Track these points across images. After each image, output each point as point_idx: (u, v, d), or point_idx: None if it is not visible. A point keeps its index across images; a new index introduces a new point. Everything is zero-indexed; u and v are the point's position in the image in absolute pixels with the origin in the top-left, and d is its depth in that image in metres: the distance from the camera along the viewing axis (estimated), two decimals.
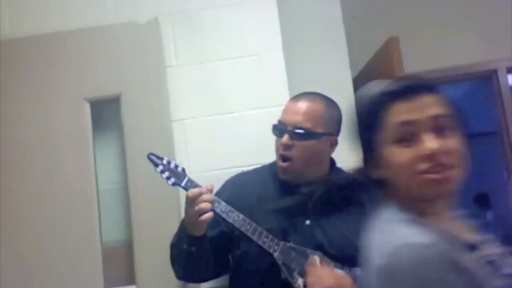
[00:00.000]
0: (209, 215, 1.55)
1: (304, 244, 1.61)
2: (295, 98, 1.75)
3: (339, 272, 1.59)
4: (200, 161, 2.15)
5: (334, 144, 1.75)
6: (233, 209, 1.61)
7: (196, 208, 1.54)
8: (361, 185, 1.78)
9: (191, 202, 1.56)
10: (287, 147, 1.65)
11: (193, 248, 1.61)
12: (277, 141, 1.71)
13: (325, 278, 1.53)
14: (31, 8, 2.30)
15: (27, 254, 2.10)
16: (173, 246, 1.74)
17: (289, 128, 1.65)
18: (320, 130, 1.67)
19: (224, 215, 1.61)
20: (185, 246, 1.62)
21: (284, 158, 1.68)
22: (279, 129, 1.69)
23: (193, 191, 1.56)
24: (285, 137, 1.65)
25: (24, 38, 2.23)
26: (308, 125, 1.65)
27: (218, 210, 1.60)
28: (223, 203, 1.61)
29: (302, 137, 1.64)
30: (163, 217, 2.08)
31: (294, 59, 2.36)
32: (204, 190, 1.58)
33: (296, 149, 1.65)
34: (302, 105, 1.68)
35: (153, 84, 2.20)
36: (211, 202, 1.57)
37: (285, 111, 1.72)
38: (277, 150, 1.71)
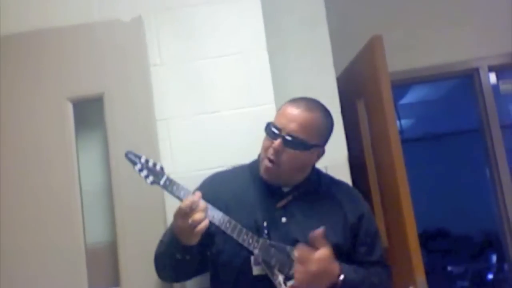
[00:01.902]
0: (204, 224, 1.52)
1: (280, 242, 1.62)
2: (294, 103, 1.71)
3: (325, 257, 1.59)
4: (185, 160, 2.15)
5: (321, 154, 1.76)
6: (212, 207, 1.59)
7: (190, 221, 1.51)
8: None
9: (184, 214, 1.52)
10: (277, 152, 1.64)
11: (188, 257, 1.61)
12: (266, 140, 1.70)
13: (311, 264, 1.53)
14: (12, 6, 2.26)
15: (10, 255, 2.07)
16: (160, 255, 1.72)
17: (283, 134, 1.64)
18: (312, 142, 1.67)
19: (210, 219, 1.57)
20: (178, 256, 1.61)
21: (271, 161, 1.67)
22: (272, 131, 1.67)
23: (185, 204, 1.53)
24: (278, 142, 1.63)
25: (4, 36, 2.20)
26: (302, 135, 1.64)
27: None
28: (210, 206, 1.59)
29: (294, 146, 1.64)
30: (147, 217, 2.07)
31: (279, 58, 2.37)
32: (196, 198, 1.54)
33: (286, 155, 1.65)
34: (301, 113, 1.66)
35: (137, 83, 2.18)
36: (204, 210, 1.54)
37: (282, 115, 1.69)
38: (265, 149, 1.70)
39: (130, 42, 2.20)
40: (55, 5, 2.27)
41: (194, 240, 1.57)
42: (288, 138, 1.63)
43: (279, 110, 1.73)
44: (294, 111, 1.67)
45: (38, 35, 2.20)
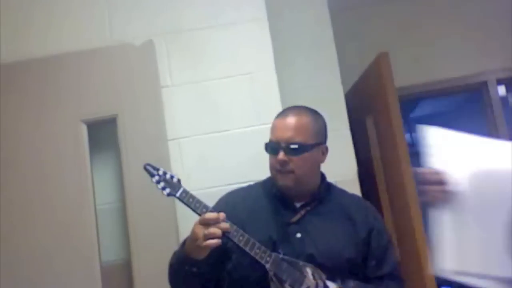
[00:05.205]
0: (215, 241, 1.54)
1: (295, 257, 1.63)
2: (282, 115, 1.77)
3: (332, 285, 1.62)
4: (196, 179, 2.18)
5: (325, 151, 1.79)
6: (228, 221, 1.61)
7: (206, 231, 1.54)
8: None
9: (205, 223, 1.55)
10: (284, 163, 1.68)
11: (194, 269, 1.61)
12: (271, 158, 1.73)
13: None
14: (27, 32, 2.33)
15: (26, 274, 2.11)
16: (172, 266, 1.74)
17: (283, 145, 1.68)
18: (311, 142, 1.70)
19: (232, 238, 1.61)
20: (186, 267, 1.62)
21: (284, 172, 1.70)
22: (272, 147, 1.71)
23: (211, 215, 1.56)
24: (281, 154, 1.67)
25: (21, 62, 2.27)
26: (299, 139, 1.68)
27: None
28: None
29: (296, 152, 1.67)
30: (161, 235, 2.10)
31: (287, 76, 2.40)
32: (222, 216, 1.58)
33: (293, 163, 1.68)
34: (291, 120, 1.71)
35: (149, 104, 2.23)
36: (225, 231, 1.57)
37: (275, 129, 1.74)
38: (272, 167, 1.73)
39: (142, 65, 2.26)
40: (68, 30, 2.33)
41: (202, 254, 1.58)
42: (289, 146, 1.67)
43: (272, 127, 1.77)
44: (285, 121, 1.72)
45: (53, 60, 2.26)
